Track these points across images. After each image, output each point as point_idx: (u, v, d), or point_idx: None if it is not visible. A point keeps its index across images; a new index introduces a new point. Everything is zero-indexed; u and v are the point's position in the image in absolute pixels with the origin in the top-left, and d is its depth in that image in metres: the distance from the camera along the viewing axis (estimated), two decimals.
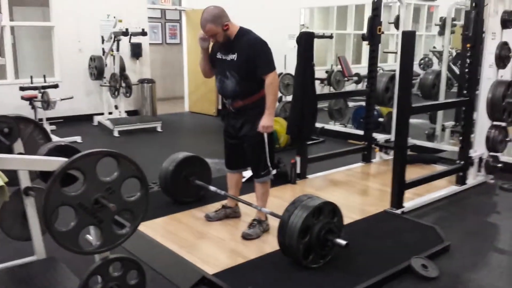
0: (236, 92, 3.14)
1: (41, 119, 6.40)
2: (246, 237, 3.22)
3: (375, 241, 3.28)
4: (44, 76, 6.80)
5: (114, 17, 7.70)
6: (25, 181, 2.45)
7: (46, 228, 1.66)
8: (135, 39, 7.91)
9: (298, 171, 4.56)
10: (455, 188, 4.40)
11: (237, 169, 3.50)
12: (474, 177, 4.58)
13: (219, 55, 3.21)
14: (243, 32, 3.12)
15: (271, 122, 3.13)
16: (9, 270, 2.48)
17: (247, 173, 4.05)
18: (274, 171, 3.38)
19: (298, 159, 4.56)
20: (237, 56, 3.09)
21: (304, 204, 2.77)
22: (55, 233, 1.68)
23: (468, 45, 4.10)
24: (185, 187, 3.83)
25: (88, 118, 7.89)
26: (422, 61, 10.87)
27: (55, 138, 5.99)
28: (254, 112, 3.15)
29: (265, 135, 3.20)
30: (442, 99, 5.54)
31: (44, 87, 6.42)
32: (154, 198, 3.90)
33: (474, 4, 4.05)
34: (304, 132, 4.36)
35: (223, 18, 3.04)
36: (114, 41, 7.39)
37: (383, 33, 4.92)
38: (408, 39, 3.53)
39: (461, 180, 4.45)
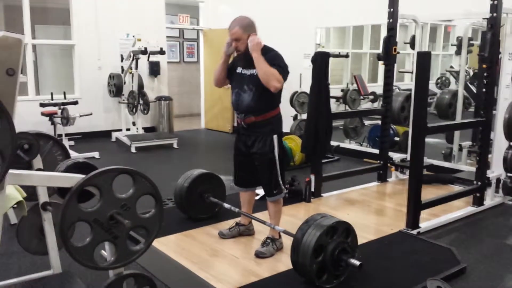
0: (251, 107, 3.15)
1: (60, 135, 6.52)
2: (259, 255, 3.21)
3: (390, 262, 3.25)
4: (64, 93, 6.95)
5: (134, 36, 7.87)
6: (43, 197, 2.50)
7: (62, 243, 1.69)
8: (153, 58, 8.06)
9: (312, 189, 4.55)
10: (472, 209, 4.34)
11: (246, 187, 3.49)
12: (491, 198, 4.52)
13: (239, 70, 3.23)
14: (267, 50, 3.13)
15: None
16: (25, 284, 2.52)
17: (261, 191, 4.05)
18: (285, 190, 3.38)
19: (312, 177, 4.55)
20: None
21: (318, 223, 2.77)
22: (71, 248, 1.72)
23: (484, 66, 4.08)
24: (199, 204, 3.86)
25: (106, 134, 8.02)
26: (439, 81, 10.81)
27: (73, 154, 6.09)
28: (266, 130, 3.17)
29: (276, 154, 3.19)
30: (458, 119, 5.50)
31: (64, 104, 6.56)
32: (168, 214, 3.94)
33: (490, 25, 4.05)
34: (318, 150, 4.36)
35: (251, 28, 3.11)
36: (133, 60, 7.53)
37: (398, 53, 4.93)
38: (423, 59, 3.54)
39: (478, 201, 4.39)
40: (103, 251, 2.16)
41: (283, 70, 3.07)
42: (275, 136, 3.20)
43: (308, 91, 4.54)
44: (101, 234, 1.78)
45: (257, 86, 3.11)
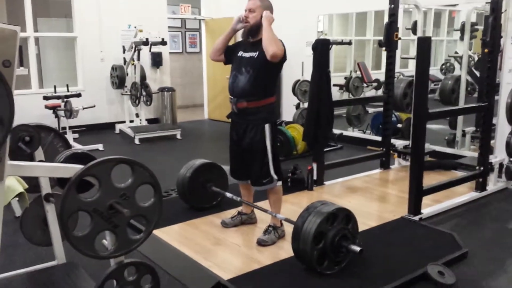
0: (245, 90, 3.15)
1: (64, 128, 6.56)
2: (261, 243, 3.24)
3: (392, 247, 3.26)
4: (67, 86, 6.98)
5: (135, 27, 7.87)
6: (46, 188, 2.52)
7: (62, 232, 1.72)
8: (155, 49, 8.07)
9: (315, 177, 4.56)
10: (475, 195, 4.34)
11: (241, 179, 3.48)
12: (494, 183, 4.52)
13: (239, 53, 3.26)
14: None
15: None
16: (30, 275, 2.56)
17: None
18: (278, 181, 3.31)
19: (314, 165, 4.56)
20: (258, 54, 3.13)
21: (318, 210, 2.78)
22: (71, 237, 1.74)
23: (486, 50, 4.05)
24: (202, 194, 3.88)
25: (110, 126, 8.05)
26: (443, 66, 10.74)
27: (77, 146, 6.13)
28: (258, 118, 3.18)
29: (268, 143, 3.19)
30: (462, 104, 5.48)
31: (67, 96, 6.58)
32: (171, 205, 3.98)
33: (492, 9, 4.01)
34: (319, 138, 4.37)
35: (268, 7, 3.17)
36: (135, 51, 7.54)
37: (400, 39, 4.90)
38: (424, 44, 3.52)
39: (481, 186, 4.39)
40: (104, 241, 2.18)
41: (283, 47, 3.10)
42: (267, 125, 3.18)
43: (309, 79, 4.53)
44: (101, 223, 1.80)
45: (254, 69, 3.13)
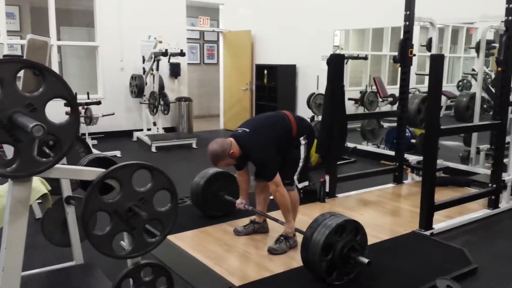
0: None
1: (83, 134, 6.72)
2: (271, 251, 3.30)
3: (401, 261, 3.30)
4: (88, 93, 7.15)
5: (155, 38, 8.06)
6: (67, 191, 2.64)
7: (83, 230, 1.81)
8: (174, 59, 8.23)
9: (327, 189, 4.62)
10: (487, 212, 4.35)
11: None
12: (507, 201, 4.51)
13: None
14: (241, 144, 3.29)
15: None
16: (49, 274, 2.66)
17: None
18: (299, 185, 3.51)
19: (327, 177, 4.62)
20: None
21: (327, 221, 2.84)
22: (91, 236, 1.83)
23: (500, 69, 4.09)
24: (215, 202, 3.97)
25: (128, 134, 8.21)
26: (460, 83, 10.73)
27: (96, 152, 6.27)
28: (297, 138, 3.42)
29: (302, 151, 3.40)
30: (476, 121, 5.49)
31: (87, 104, 6.75)
32: (185, 212, 4.07)
33: (506, 29, 4.06)
34: (332, 151, 4.43)
35: (225, 151, 3.24)
36: (154, 61, 7.71)
37: (414, 55, 4.96)
38: (437, 62, 3.58)
39: (493, 204, 4.39)
40: (122, 242, 2.27)
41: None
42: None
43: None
44: (120, 224, 1.88)
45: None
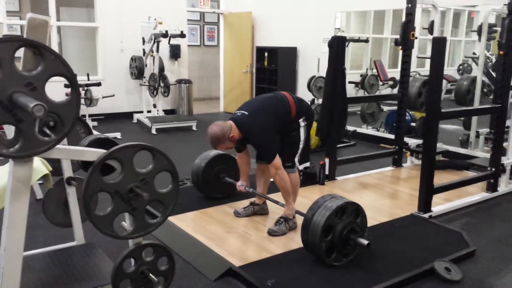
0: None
1: (83, 115, 6.71)
2: (271, 233, 3.34)
3: (400, 243, 3.33)
4: (88, 75, 7.13)
5: (155, 19, 8.00)
6: (68, 172, 2.64)
7: (84, 210, 1.82)
8: (174, 41, 8.18)
9: (327, 172, 4.63)
10: (485, 195, 4.38)
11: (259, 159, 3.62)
12: (506, 185, 4.54)
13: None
14: (240, 127, 3.28)
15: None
16: (51, 253, 2.68)
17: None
18: (300, 167, 3.52)
19: (327, 160, 4.63)
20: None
21: (327, 203, 2.86)
22: (93, 216, 1.85)
23: (501, 52, 4.07)
24: (215, 184, 3.99)
25: (128, 115, 8.21)
26: (461, 67, 10.68)
27: (96, 133, 6.27)
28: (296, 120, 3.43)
29: (302, 133, 3.41)
30: (476, 105, 5.48)
31: (87, 85, 6.73)
32: (186, 193, 4.10)
33: (509, 11, 4.02)
34: (332, 134, 4.43)
35: (225, 134, 3.22)
36: (154, 43, 7.66)
37: (416, 38, 4.92)
38: (439, 45, 3.56)
39: (492, 187, 4.41)
40: (123, 223, 2.29)
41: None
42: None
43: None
44: (121, 205, 1.90)
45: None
